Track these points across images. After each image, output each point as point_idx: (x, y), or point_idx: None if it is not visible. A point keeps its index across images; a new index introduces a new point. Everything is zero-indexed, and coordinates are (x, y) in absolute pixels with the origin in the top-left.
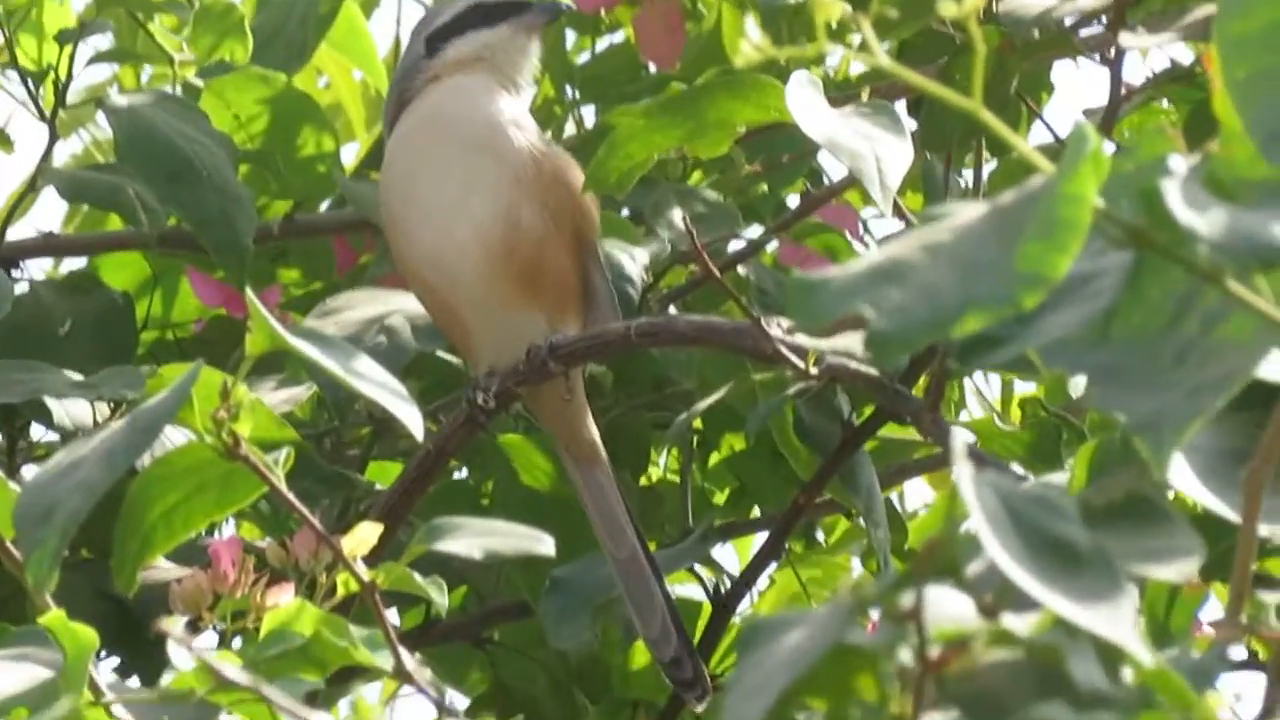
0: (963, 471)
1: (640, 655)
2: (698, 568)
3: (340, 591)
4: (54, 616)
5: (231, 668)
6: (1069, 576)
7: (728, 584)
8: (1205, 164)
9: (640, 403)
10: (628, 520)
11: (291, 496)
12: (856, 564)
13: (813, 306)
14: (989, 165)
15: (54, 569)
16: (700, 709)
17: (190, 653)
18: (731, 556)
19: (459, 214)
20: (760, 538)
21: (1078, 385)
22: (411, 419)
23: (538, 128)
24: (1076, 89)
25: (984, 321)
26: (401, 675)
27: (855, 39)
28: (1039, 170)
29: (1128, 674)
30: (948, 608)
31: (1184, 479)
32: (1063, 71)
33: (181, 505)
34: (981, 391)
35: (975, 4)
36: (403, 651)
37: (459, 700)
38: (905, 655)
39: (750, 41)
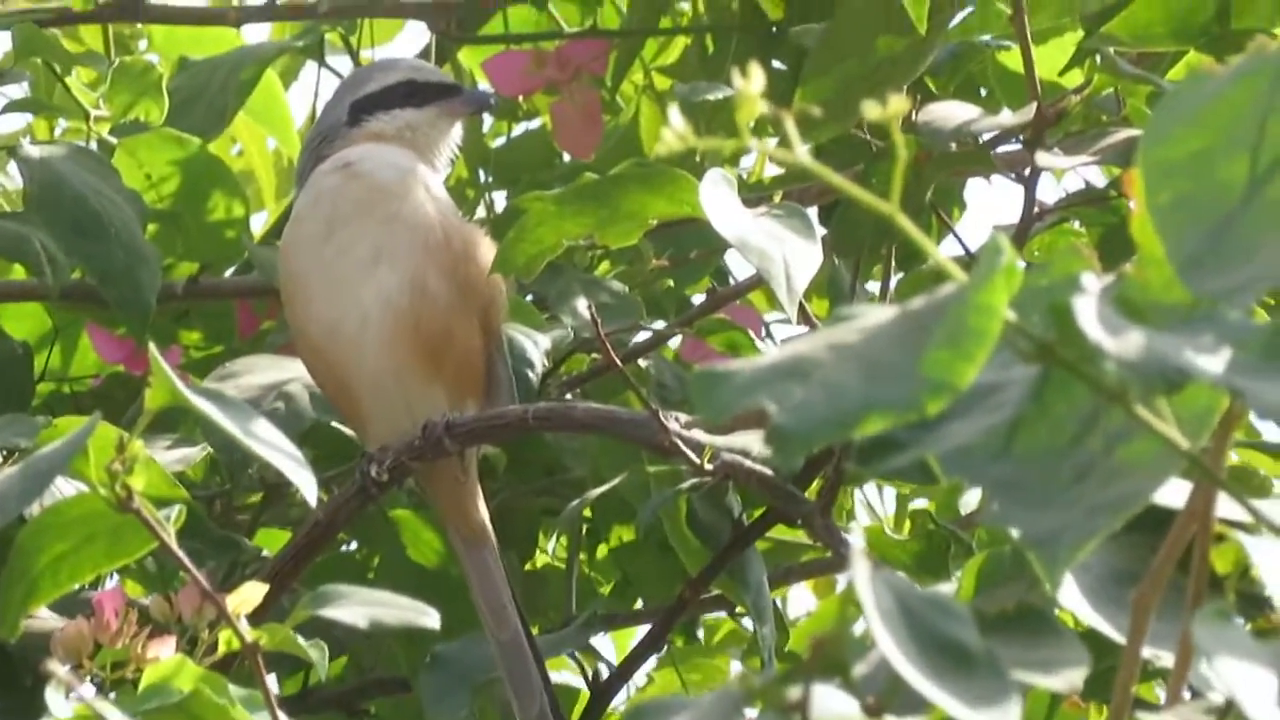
0: (859, 567)
1: None
2: (578, 656)
3: (221, 649)
4: None
5: (115, 712)
6: (959, 677)
7: (606, 673)
8: (1118, 285)
9: (532, 488)
10: (511, 603)
11: (180, 552)
12: (736, 667)
13: (716, 398)
14: (896, 277)
15: None
16: None
17: (74, 694)
18: (611, 648)
19: (365, 279)
20: (643, 630)
21: (967, 503)
22: (306, 484)
23: (451, 201)
24: (988, 208)
25: (886, 424)
26: None
27: (773, 140)
28: (950, 280)
29: None
30: (833, 705)
31: (1071, 597)
32: (975, 189)
33: (70, 555)
34: (871, 503)
35: (899, 109)
36: (280, 715)
37: None
38: None
39: (672, 130)
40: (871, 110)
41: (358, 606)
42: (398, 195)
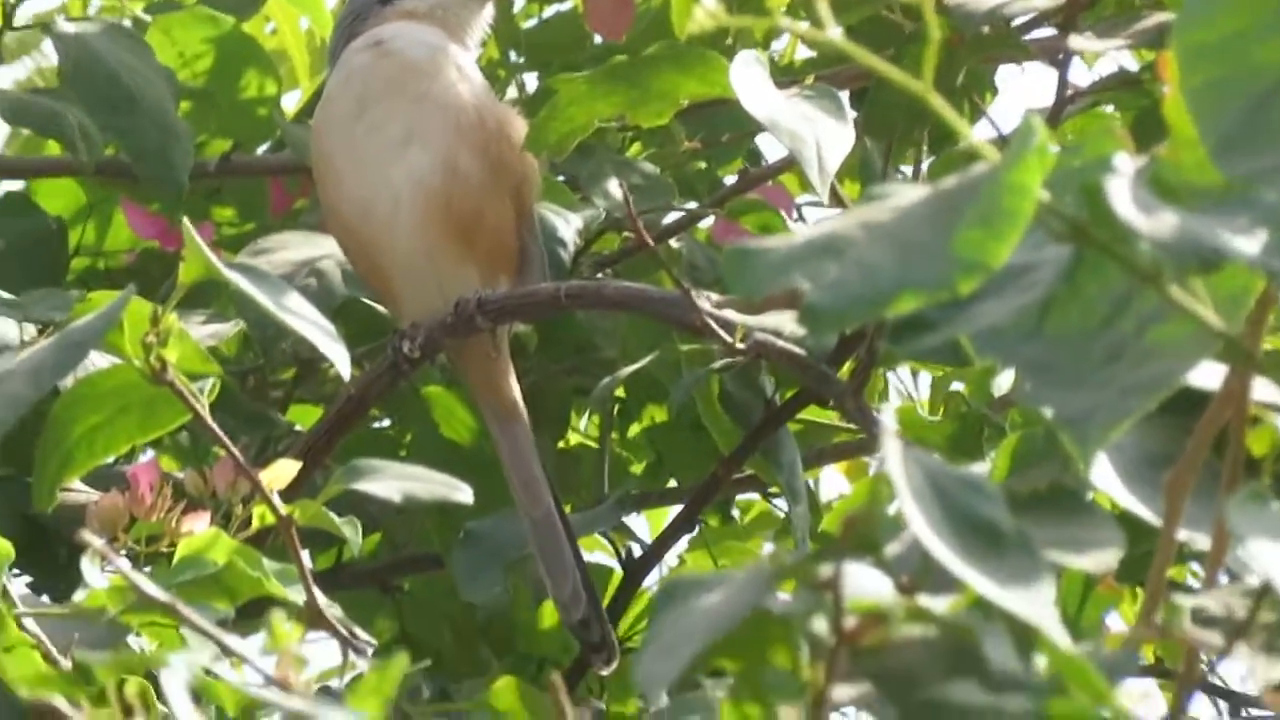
0: (891, 446)
1: (548, 615)
2: (610, 535)
3: (255, 524)
4: None
5: (150, 584)
6: (990, 557)
7: (639, 553)
8: (1151, 166)
9: (563, 367)
10: (544, 480)
11: (214, 425)
12: (769, 549)
13: (748, 275)
14: (928, 161)
15: None
16: (606, 672)
17: (109, 566)
18: (644, 527)
19: (396, 160)
20: (675, 510)
21: (1000, 385)
22: (340, 358)
23: (484, 80)
24: (1019, 93)
25: (919, 303)
26: (312, 610)
27: (805, 22)
28: (983, 161)
29: (1040, 661)
30: (865, 584)
31: (1106, 478)
32: (1006, 75)
33: (104, 426)
34: (904, 386)
35: None
36: (315, 588)
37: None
38: (820, 625)
39: (704, 8)
40: None
41: (391, 481)
42: (429, 73)
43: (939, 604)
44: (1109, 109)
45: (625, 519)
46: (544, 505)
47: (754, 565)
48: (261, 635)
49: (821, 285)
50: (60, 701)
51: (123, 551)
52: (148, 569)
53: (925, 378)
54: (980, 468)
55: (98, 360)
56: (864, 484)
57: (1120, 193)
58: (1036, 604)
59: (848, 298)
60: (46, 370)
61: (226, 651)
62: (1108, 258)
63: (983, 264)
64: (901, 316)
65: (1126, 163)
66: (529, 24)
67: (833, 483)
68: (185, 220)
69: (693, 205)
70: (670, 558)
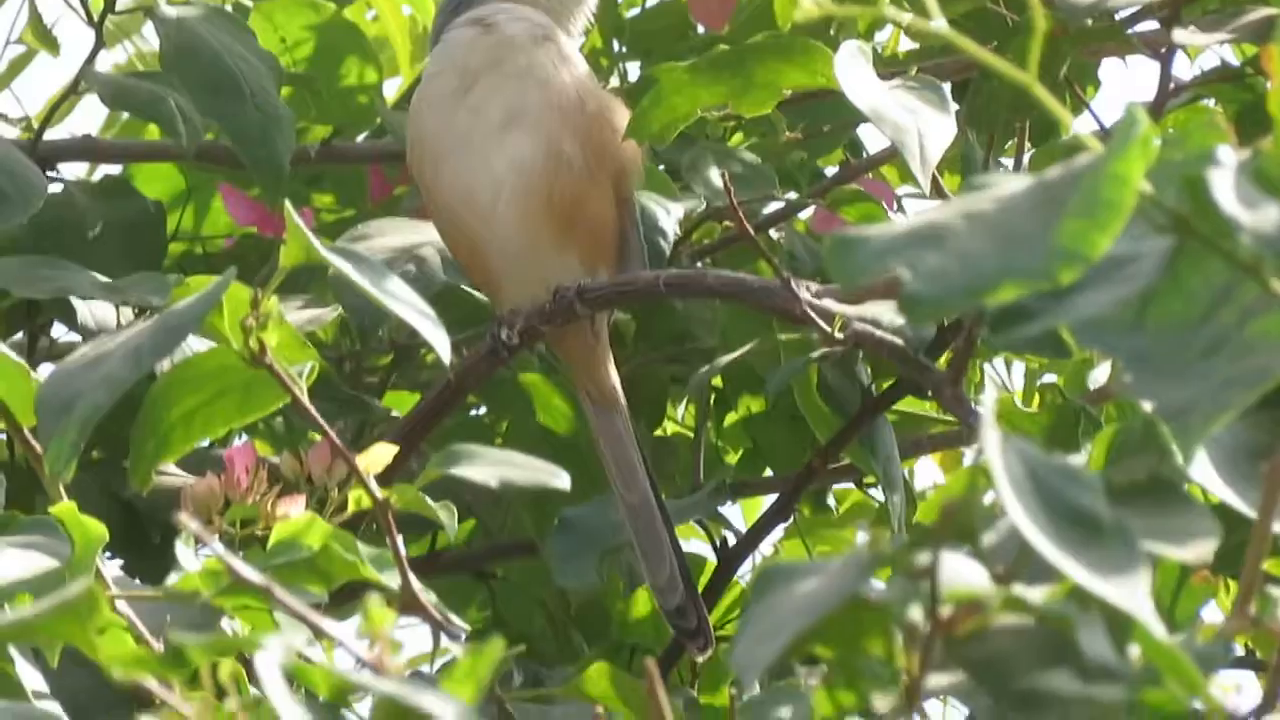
0: (990, 434)
1: (641, 603)
2: (705, 523)
3: (350, 509)
4: (65, 507)
5: (245, 567)
6: (1088, 547)
7: (733, 542)
8: (1255, 160)
9: (661, 356)
10: (642, 467)
11: (312, 409)
12: (862, 539)
13: (850, 262)
14: (1029, 154)
15: (71, 460)
16: (701, 659)
17: (207, 547)
18: (739, 516)
19: (498, 144)
20: (770, 499)
21: (1096, 378)
22: (440, 343)
23: (586, 65)
24: (1122, 87)
25: (1019, 293)
26: (407, 595)
27: (907, 15)
28: (1086, 152)
29: (1135, 652)
30: (961, 572)
31: (1203, 471)
32: (1108, 69)
33: (202, 409)
34: (1001, 377)
35: None
36: (410, 573)
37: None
38: (916, 614)
39: None
40: None
41: (488, 466)
42: (529, 51)
43: (1035, 594)
44: (1210, 103)
45: (720, 508)
46: (641, 491)
47: (851, 553)
48: (356, 620)
49: (922, 274)
50: (153, 683)
51: (217, 535)
52: (241, 553)
53: (1019, 369)
54: (1077, 458)
55: (194, 344)
56: (961, 473)
57: (1223, 185)
58: (1133, 594)
59: (948, 287)
60: (145, 352)
61: (320, 635)
62: (1209, 250)
63: (1084, 255)
64: (1001, 306)
65: (1229, 155)
66: (632, 13)
67: (927, 473)
68: (287, 204)
69: (793, 196)
70: (765, 547)
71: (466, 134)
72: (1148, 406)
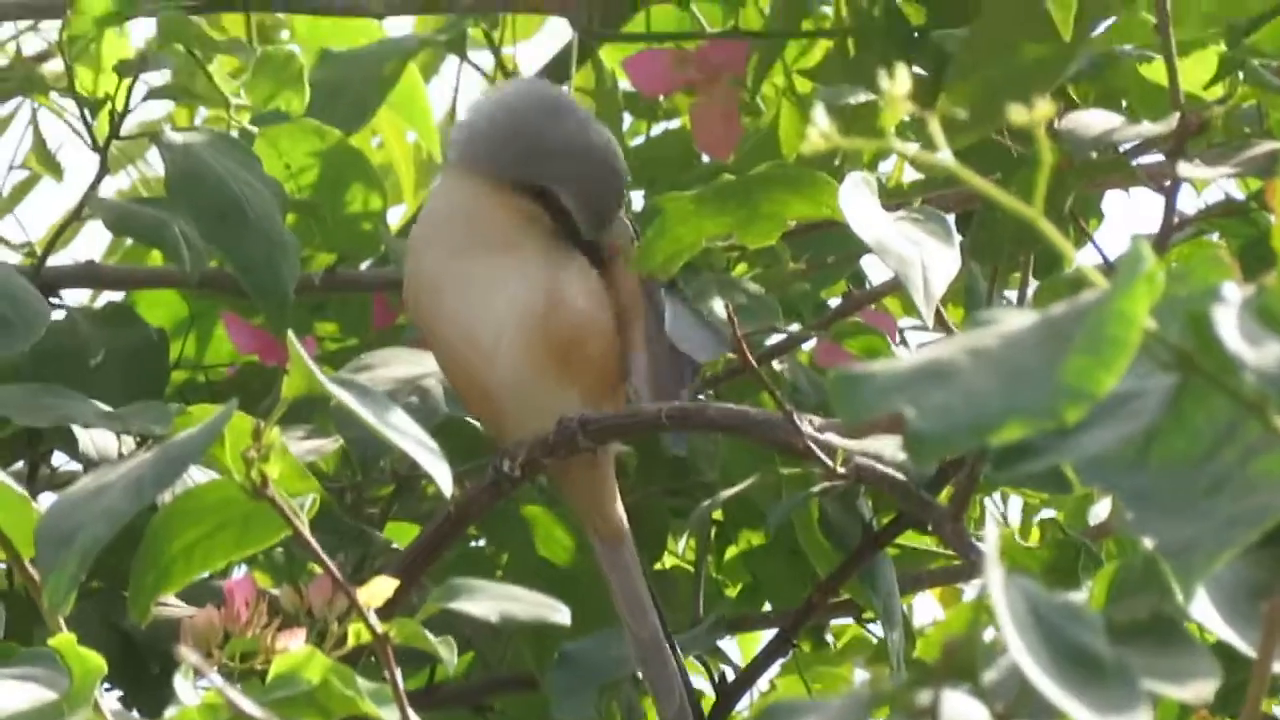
0: (993, 570)
1: None
2: (704, 658)
3: (350, 642)
4: (64, 639)
5: (245, 699)
6: (1090, 686)
7: (732, 677)
8: (1259, 296)
9: (661, 489)
10: (650, 600)
11: (313, 541)
12: (861, 675)
13: (854, 400)
14: (1033, 286)
15: (71, 592)
16: None
17: (206, 679)
18: (737, 651)
19: (496, 286)
20: (769, 634)
21: (1096, 513)
22: (442, 475)
23: None
24: (1125, 220)
25: (1024, 431)
26: None
27: (915, 144)
28: (1090, 287)
29: None
30: (962, 711)
31: (1202, 609)
32: (1112, 201)
33: (203, 541)
34: (999, 513)
35: (1045, 113)
36: (408, 709)
37: None
38: None
39: (817, 129)
40: (1018, 114)
41: (489, 600)
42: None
43: None
44: (1214, 237)
45: (719, 642)
46: (650, 625)
47: (852, 691)
48: None
49: (926, 412)
50: None
51: (216, 668)
52: (240, 686)
53: (1016, 503)
54: (1078, 596)
55: (195, 475)
56: (963, 609)
57: (1227, 322)
58: None
59: (953, 425)
60: (147, 483)
61: None
62: (1213, 388)
63: (1089, 393)
64: (1005, 443)
65: (1234, 292)
66: (636, 141)
67: (926, 609)
68: (290, 334)
69: (796, 327)
70: (762, 682)
71: (466, 276)
72: (1149, 544)
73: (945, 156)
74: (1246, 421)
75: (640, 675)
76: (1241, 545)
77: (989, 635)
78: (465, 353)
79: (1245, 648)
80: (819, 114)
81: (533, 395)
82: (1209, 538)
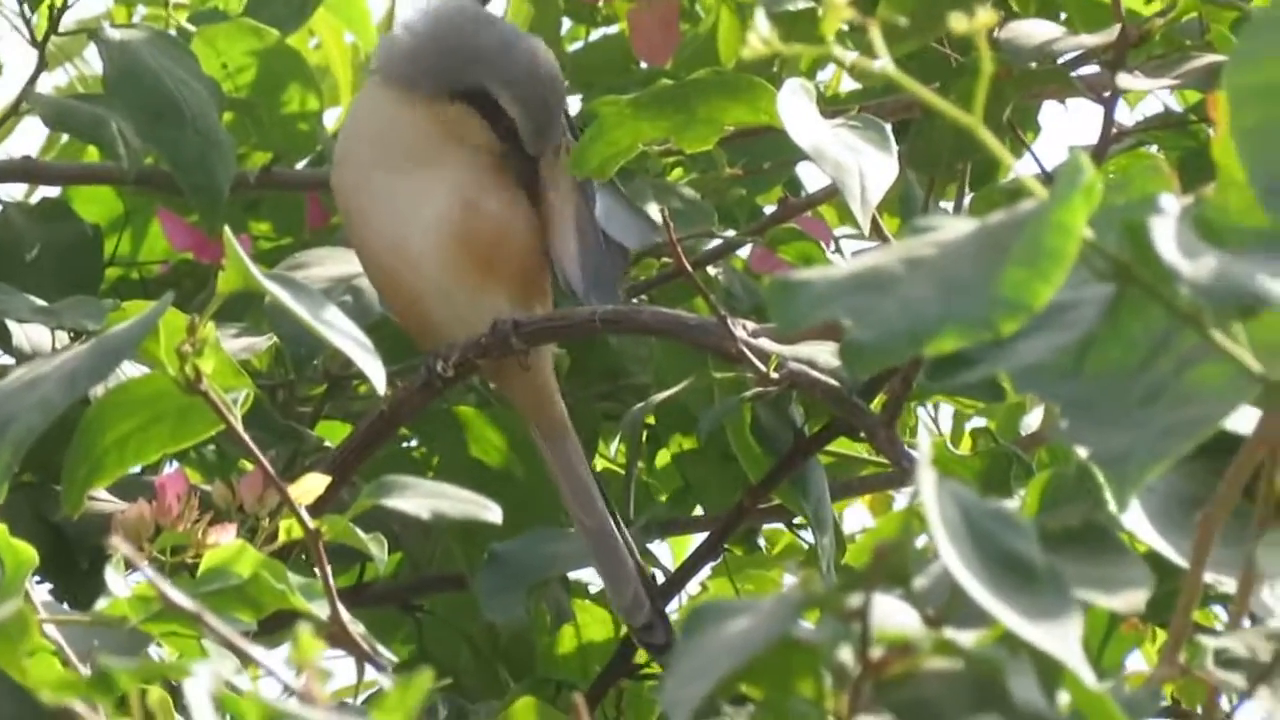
0: (925, 475)
1: (567, 640)
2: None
3: (281, 539)
4: None
5: (176, 591)
6: (1020, 592)
7: (662, 579)
8: (1197, 207)
9: (594, 392)
10: (597, 491)
11: (246, 436)
12: (790, 580)
13: (791, 308)
14: (969, 196)
15: (4, 482)
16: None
17: (137, 572)
18: (668, 554)
19: (417, 200)
20: (700, 538)
21: (1028, 423)
22: (376, 373)
23: None
24: (1061, 132)
25: (960, 342)
26: (336, 624)
27: (851, 54)
28: (1028, 197)
29: (1064, 699)
30: (893, 615)
31: (1136, 519)
32: (1049, 113)
33: (136, 434)
34: (931, 422)
35: (987, 21)
36: (339, 604)
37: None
38: (846, 655)
39: (757, 34)
40: (958, 22)
41: (420, 498)
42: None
43: (965, 637)
44: (1153, 149)
45: (650, 545)
46: (599, 515)
47: (782, 592)
48: (283, 649)
49: (863, 322)
50: (81, 707)
51: (146, 562)
52: (171, 580)
53: (947, 412)
54: (1011, 504)
55: (129, 370)
56: (894, 516)
57: (1164, 233)
58: (1064, 641)
59: (890, 334)
60: (81, 376)
61: (248, 663)
62: (1149, 298)
63: (1026, 304)
64: (941, 351)
65: (1172, 203)
66: (574, 47)
67: (856, 517)
68: (226, 229)
69: (731, 233)
70: (693, 585)
71: (389, 192)
72: (1083, 453)
73: (885, 63)
74: (1182, 332)
75: (594, 568)
76: (1175, 455)
77: (920, 542)
78: (392, 263)
79: (1177, 558)
80: (759, 18)
81: (460, 300)
82: (1143, 447)
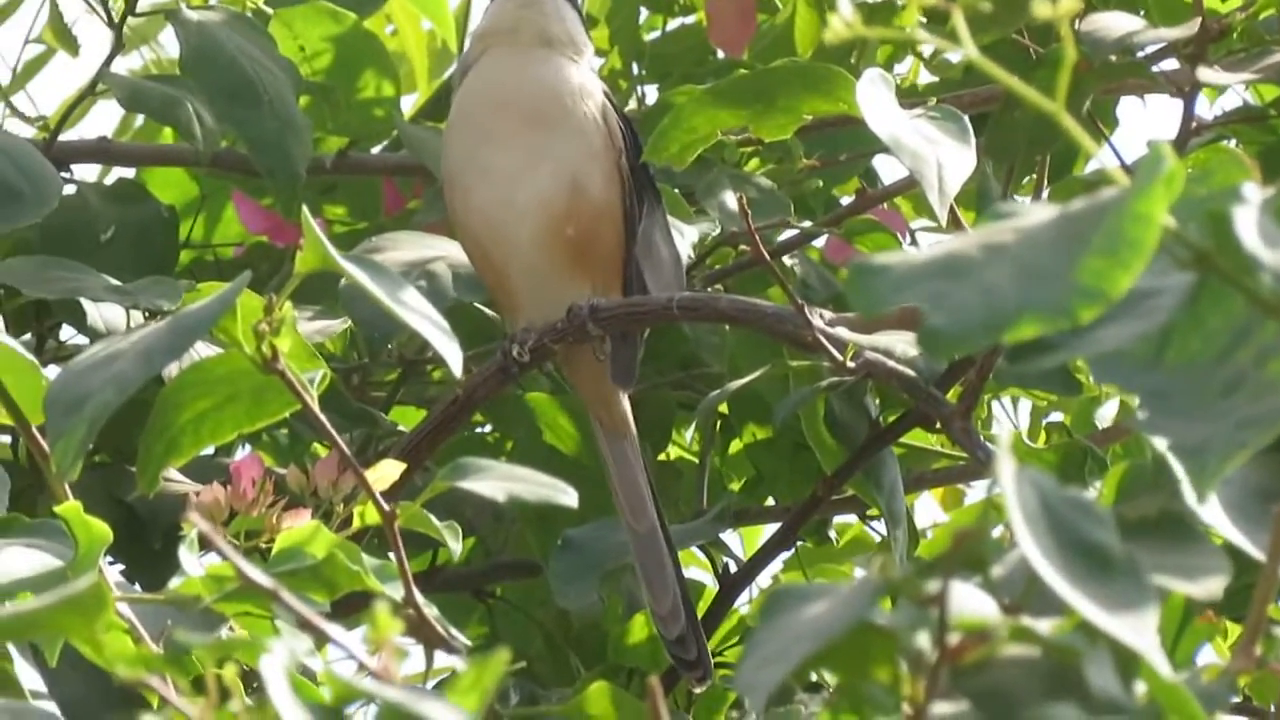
0: (1005, 463)
1: (639, 628)
2: (706, 550)
3: (355, 524)
4: (70, 506)
5: (254, 569)
6: (1098, 582)
7: (734, 569)
8: (1279, 198)
9: (668, 380)
10: (650, 495)
11: (322, 417)
12: (860, 573)
13: (871, 292)
14: (1047, 190)
15: (79, 459)
16: (699, 690)
17: (214, 549)
18: (740, 545)
19: (522, 178)
20: (772, 528)
21: (1103, 418)
22: (453, 356)
23: (608, 92)
24: (1139, 126)
25: (1039, 329)
26: (412, 607)
27: (929, 47)
28: (1110, 186)
29: (1140, 689)
30: (970, 602)
31: (1212, 511)
32: (1127, 107)
33: (212, 413)
34: (1008, 413)
35: (1071, 8)
36: (414, 587)
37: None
38: (923, 641)
39: (841, 18)
40: (1042, 9)
41: (495, 481)
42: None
43: (1043, 625)
44: (1232, 143)
45: (722, 535)
46: (649, 520)
47: (861, 578)
48: (358, 631)
49: (942, 308)
50: (156, 683)
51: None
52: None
53: (1024, 408)
54: (1089, 494)
55: (204, 350)
56: (972, 507)
57: (1247, 222)
58: (1141, 631)
59: (968, 321)
60: (157, 352)
61: (323, 642)
62: (1230, 288)
63: (1105, 293)
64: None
65: (1254, 193)
66: (651, 35)
67: (928, 511)
68: (305, 210)
69: (808, 223)
70: (764, 577)
71: (494, 167)
72: (1162, 444)
73: (970, 49)
74: (1263, 323)
75: (637, 570)
76: (1255, 447)
77: (997, 532)
78: (488, 245)
79: (1254, 551)
80: (843, 3)
81: (548, 285)
82: (1223, 439)
